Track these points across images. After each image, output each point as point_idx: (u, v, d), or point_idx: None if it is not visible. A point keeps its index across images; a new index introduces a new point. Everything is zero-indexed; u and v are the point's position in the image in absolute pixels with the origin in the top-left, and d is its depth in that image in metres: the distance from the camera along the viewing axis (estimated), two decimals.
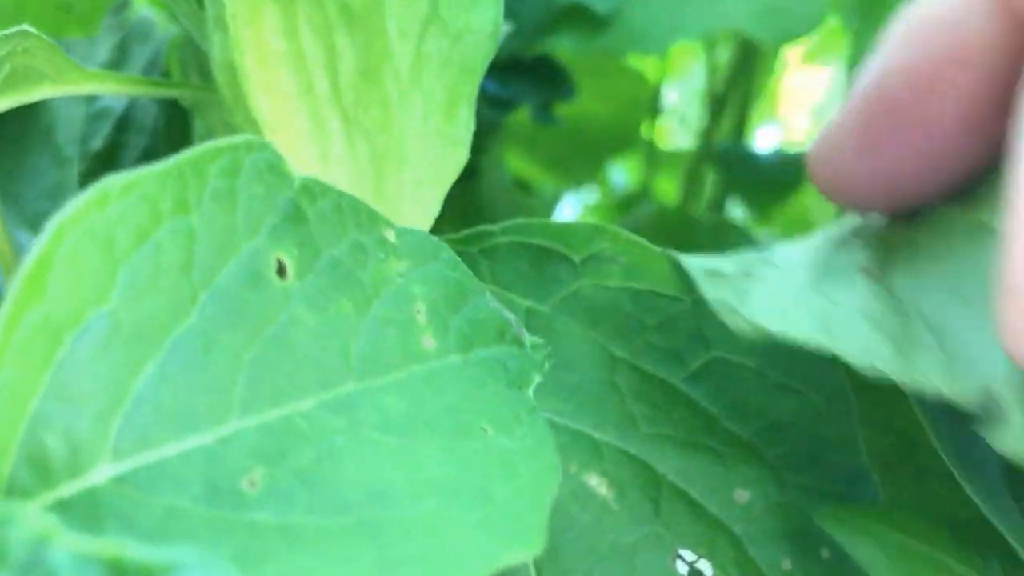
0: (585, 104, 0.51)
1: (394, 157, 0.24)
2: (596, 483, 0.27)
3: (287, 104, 0.24)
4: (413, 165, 0.25)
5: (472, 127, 0.25)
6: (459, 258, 0.22)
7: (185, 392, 0.17)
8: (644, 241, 0.29)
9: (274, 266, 0.18)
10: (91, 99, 0.36)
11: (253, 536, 0.16)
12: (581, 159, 0.58)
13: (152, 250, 0.17)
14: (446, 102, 0.25)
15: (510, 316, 0.23)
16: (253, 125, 0.24)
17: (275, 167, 0.19)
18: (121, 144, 0.35)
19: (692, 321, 0.29)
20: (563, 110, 0.48)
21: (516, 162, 0.57)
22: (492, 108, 0.47)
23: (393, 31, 0.23)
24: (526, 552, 0.16)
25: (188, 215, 0.17)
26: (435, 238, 0.22)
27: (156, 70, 0.34)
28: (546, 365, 0.22)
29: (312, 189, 0.19)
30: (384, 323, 0.19)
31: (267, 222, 0.19)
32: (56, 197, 0.36)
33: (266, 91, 0.23)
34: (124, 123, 0.35)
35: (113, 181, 0.17)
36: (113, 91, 0.25)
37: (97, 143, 0.35)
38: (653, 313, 0.29)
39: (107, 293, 0.16)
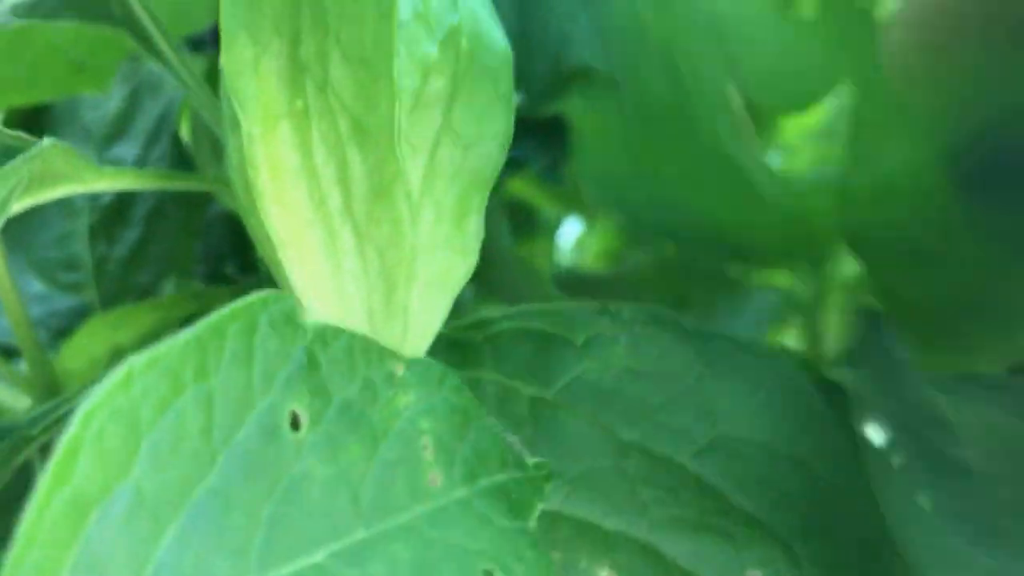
0: None
1: (404, 269, 0.25)
2: None
3: (300, 217, 0.24)
4: (422, 274, 0.26)
5: (481, 236, 0.26)
6: (463, 384, 0.23)
7: (205, 554, 0.18)
8: (645, 312, 0.30)
9: (288, 419, 0.19)
10: (102, 151, 0.36)
11: None
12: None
13: (174, 419, 0.18)
14: (456, 212, 0.25)
15: (513, 439, 0.24)
16: (265, 235, 0.24)
17: (290, 319, 0.20)
18: (131, 198, 0.35)
19: (697, 397, 0.30)
20: None
21: (518, 186, 0.57)
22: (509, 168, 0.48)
23: (405, 148, 0.24)
24: None
25: (208, 381, 0.18)
26: (441, 365, 0.23)
27: (168, 125, 0.35)
28: (547, 488, 0.23)
29: (325, 335, 0.20)
30: (392, 465, 0.20)
31: (282, 375, 0.19)
32: (64, 246, 0.37)
33: (279, 204, 0.24)
34: None
35: (137, 360, 0.17)
36: (128, 186, 0.26)
37: (107, 196, 0.36)
38: (658, 392, 0.30)
39: (130, 466, 0.17)
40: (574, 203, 0.59)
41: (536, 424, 0.29)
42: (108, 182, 0.25)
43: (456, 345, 0.27)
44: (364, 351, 0.21)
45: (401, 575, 0.19)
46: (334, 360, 0.20)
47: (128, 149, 0.38)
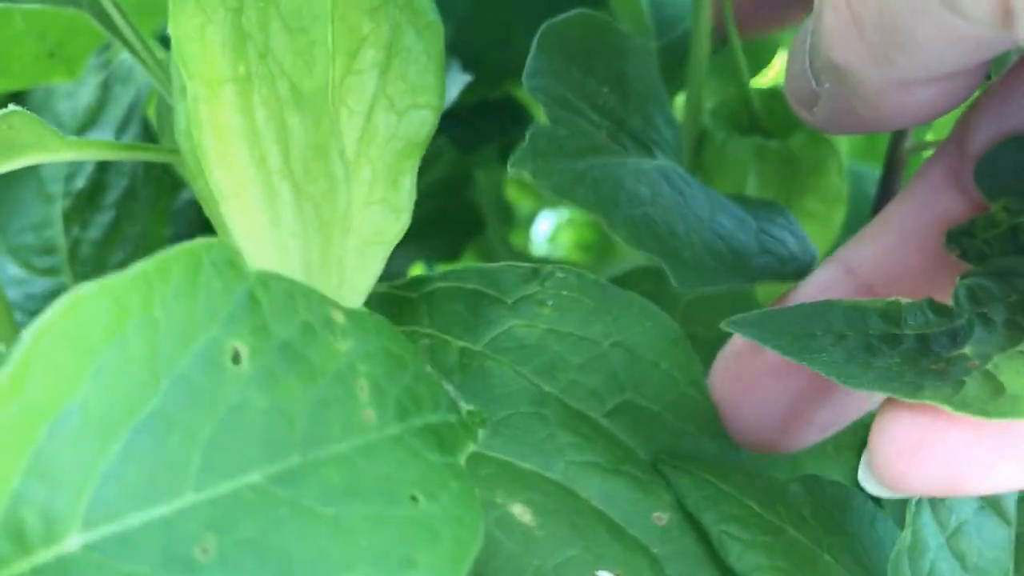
0: None
1: (340, 224, 0.27)
2: (520, 511, 0.30)
3: (242, 175, 0.26)
4: (358, 230, 0.28)
5: (414, 196, 0.28)
6: (401, 334, 0.25)
7: (147, 470, 0.20)
8: (574, 277, 0.32)
9: (230, 353, 0.21)
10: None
11: None
12: None
13: (120, 344, 0.20)
14: (391, 172, 0.28)
15: (447, 386, 0.25)
16: (210, 194, 0.26)
17: (232, 263, 0.21)
18: (103, 184, 0.37)
19: (608, 363, 0.32)
20: None
21: (494, 180, 0.60)
22: (460, 149, 0.50)
23: (342, 111, 0.26)
24: None
25: (152, 311, 0.20)
26: (379, 316, 0.25)
27: (137, 112, 0.36)
28: (480, 432, 0.25)
29: (266, 279, 0.22)
30: (328, 400, 0.22)
31: (224, 312, 0.21)
32: (40, 231, 0.38)
33: (222, 163, 0.26)
34: (106, 164, 0.37)
35: (85, 287, 0.19)
36: (91, 156, 0.28)
37: (80, 182, 0.37)
38: (576, 353, 0.32)
39: (79, 385, 0.19)
40: (547, 196, 0.61)
41: (464, 372, 0.31)
42: (73, 151, 0.27)
43: (394, 301, 0.29)
44: (304, 296, 0.23)
45: (332, 496, 0.21)
46: (275, 302, 0.22)
47: (101, 136, 0.39)
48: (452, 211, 0.53)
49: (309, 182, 0.27)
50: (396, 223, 0.28)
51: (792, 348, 0.26)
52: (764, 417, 0.32)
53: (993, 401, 0.23)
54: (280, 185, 0.27)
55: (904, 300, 0.28)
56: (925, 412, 0.23)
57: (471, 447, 0.24)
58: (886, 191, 0.42)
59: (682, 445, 0.32)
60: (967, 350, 0.25)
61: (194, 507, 0.20)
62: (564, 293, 0.31)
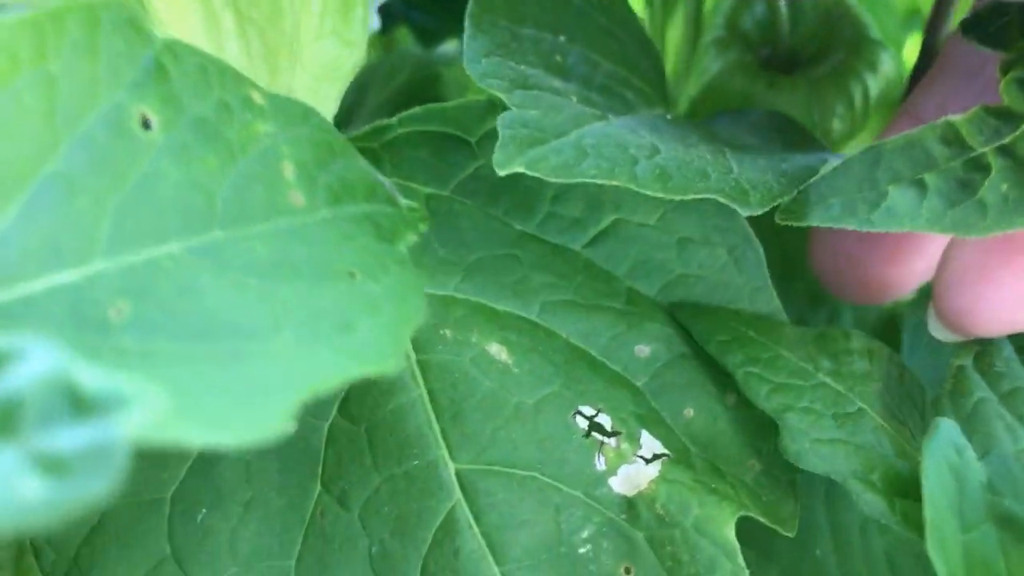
0: None
1: (286, 53, 0.26)
2: (496, 350, 0.29)
3: (182, 1, 0.25)
4: (308, 63, 0.27)
5: (368, 29, 0.27)
6: (331, 123, 0.24)
7: (50, 233, 0.18)
8: None
9: (138, 119, 0.20)
10: None
11: (117, 355, 0.17)
12: None
13: (11, 97, 0.18)
14: (342, 3, 0.27)
15: (386, 181, 0.24)
16: (151, 21, 0.25)
17: (135, 24, 0.20)
18: None
19: (591, 187, 0.31)
20: None
21: (460, 77, 0.59)
22: (422, 39, 0.49)
23: None
24: (382, 367, 0.18)
25: (47, 64, 0.19)
26: (306, 105, 0.23)
27: None
28: (422, 226, 0.24)
29: (175, 48, 0.21)
30: (250, 178, 0.21)
31: (129, 77, 0.20)
32: None
33: None
34: None
35: None
36: None
37: None
38: (550, 184, 0.31)
39: None
40: None
41: (433, 218, 0.30)
42: None
43: None
44: (219, 72, 0.22)
45: (259, 268, 0.20)
46: (186, 74, 0.21)
47: None
48: None
49: (252, 6, 0.26)
50: (349, 58, 0.28)
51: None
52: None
53: None
54: (222, 11, 0.26)
55: (954, 117, 0.27)
56: (989, 245, 0.23)
57: (412, 239, 0.23)
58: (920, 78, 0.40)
59: (684, 257, 0.31)
60: None
61: (105, 273, 0.19)
62: None
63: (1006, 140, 0.26)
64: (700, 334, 0.30)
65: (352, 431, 0.28)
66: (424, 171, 0.31)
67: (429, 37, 0.50)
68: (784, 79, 0.40)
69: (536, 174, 0.25)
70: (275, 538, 0.27)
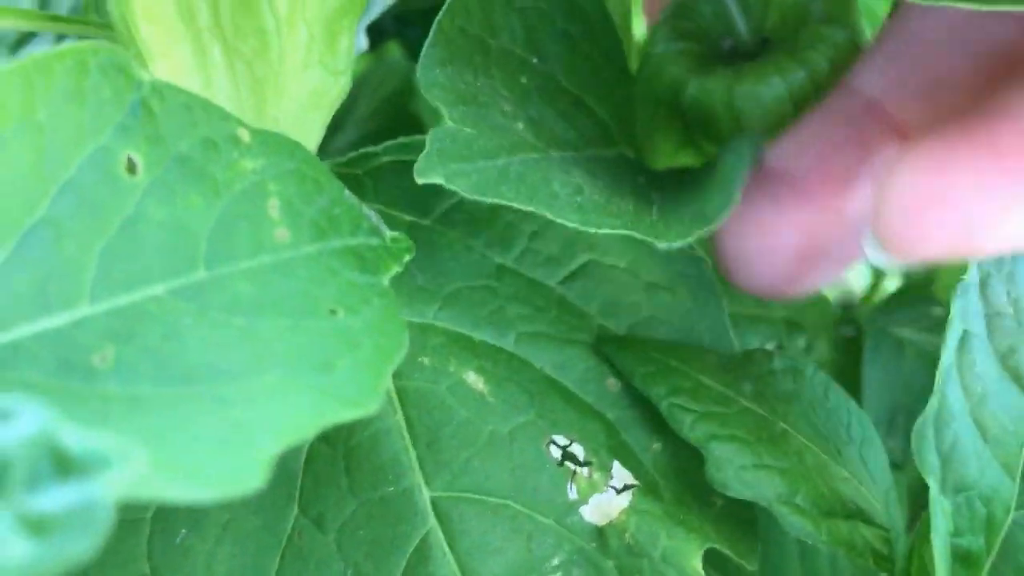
0: None
1: (273, 84, 0.27)
2: (473, 379, 0.30)
3: (170, 33, 0.26)
4: (294, 92, 0.28)
5: (353, 56, 0.28)
6: (317, 158, 0.25)
7: (38, 278, 0.19)
8: None
9: (124, 163, 0.21)
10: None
11: (102, 403, 0.18)
12: None
13: (1, 148, 0.19)
14: (328, 33, 0.27)
15: (368, 211, 0.25)
16: (140, 55, 0.26)
17: (123, 69, 0.21)
18: None
19: (568, 228, 0.32)
20: None
21: None
22: (411, 52, 0.50)
23: None
24: (360, 412, 0.19)
25: (35, 114, 0.20)
26: (292, 139, 0.24)
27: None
28: (406, 257, 0.25)
29: (161, 89, 0.22)
30: (235, 216, 0.22)
31: (116, 120, 0.21)
32: None
33: (149, 19, 0.26)
34: None
35: None
36: (13, 26, 0.27)
37: None
38: (530, 221, 0.32)
39: None
40: None
41: (414, 247, 0.31)
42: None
43: (339, 179, 0.29)
44: (204, 110, 0.22)
45: (243, 308, 0.21)
46: (171, 113, 0.22)
47: None
48: (395, 127, 0.52)
49: (240, 39, 0.27)
50: (335, 86, 0.28)
51: None
52: (772, 262, 0.29)
53: None
54: (210, 44, 0.27)
55: None
56: (936, 160, 0.23)
57: (395, 270, 0.24)
58: None
59: (651, 300, 0.32)
60: None
61: (90, 318, 0.20)
62: None
63: None
64: (625, 367, 0.30)
65: (330, 454, 0.29)
66: (406, 200, 0.32)
67: (416, 51, 0.51)
68: (718, 68, 0.38)
69: (453, 188, 0.25)
70: (250, 559, 0.28)
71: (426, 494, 0.28)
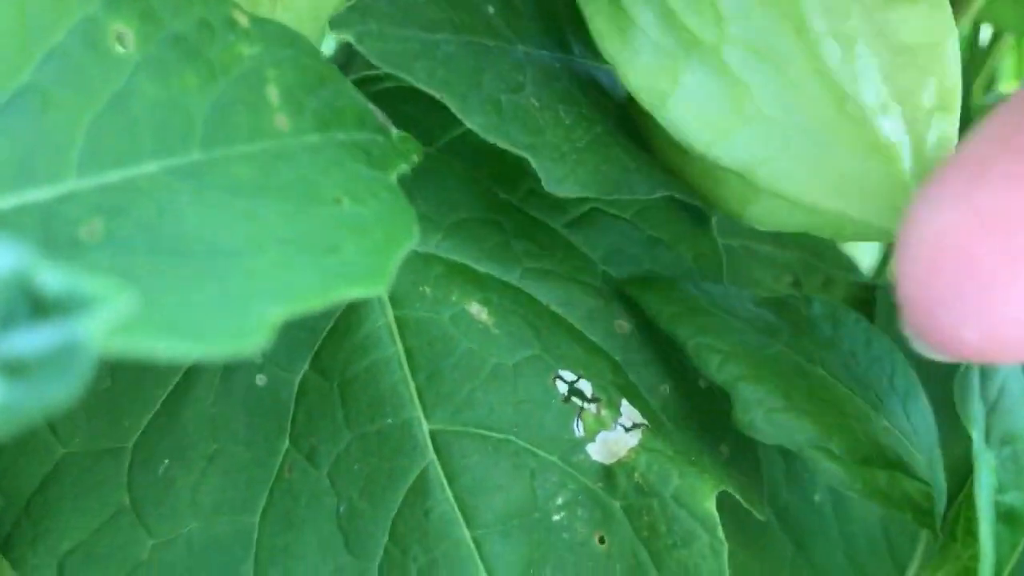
0: None
1: None
2: (477, 311, 0.29)
3: None
4: (290, 1, 0.26)
5: None
6: (319, 50, 0.23)
7: (21, 148, 0.18)
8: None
9: (113, 35, 0.20)
10: None
11: (89, 272, 0.17)
12: None
13: None
14: None
15: (378, 112, 0.24)
16: None
17: None
18: None
19: None
20: None
21: None
22: None
23: None
24: (368, 289, 0.18)
25: None
26: (293, 30, 0.23)
27: None
28: (414, 157, 0.24)
29: None
30: (232, 100, 0.21)
31: None
32: None
33: None
34: None
35: None
36: None
37: None
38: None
39: None
40: None
41: (416, 175, 0.29)
42: None
43: None
44: None
45: (242, 190, 0.19)
46: None
47: None
48: None
49: None
50: None
51: None
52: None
53: None
54: None
55: None
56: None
57: (404, 168, 0.23)
58: None
59: (647, 255, 0.31)
60: None
61: (77, 192, 0.18)
62: None
63: None
64: (651, 306, 0.29)
65: (324, 386, 0.27)
66: (412, 126, 0.30)
67: None
68: None
69: (361, 49, 0.23)
70: (239, 493, 0.26)
71: (425, 427, 0.27)
